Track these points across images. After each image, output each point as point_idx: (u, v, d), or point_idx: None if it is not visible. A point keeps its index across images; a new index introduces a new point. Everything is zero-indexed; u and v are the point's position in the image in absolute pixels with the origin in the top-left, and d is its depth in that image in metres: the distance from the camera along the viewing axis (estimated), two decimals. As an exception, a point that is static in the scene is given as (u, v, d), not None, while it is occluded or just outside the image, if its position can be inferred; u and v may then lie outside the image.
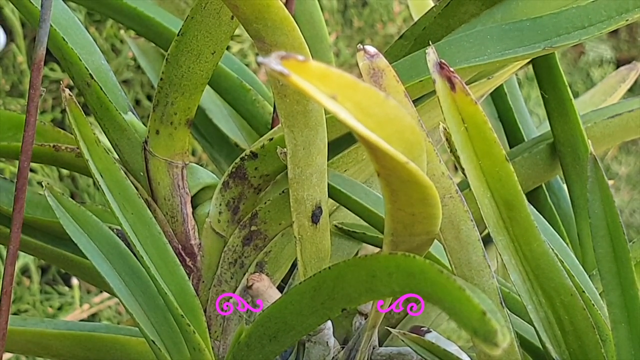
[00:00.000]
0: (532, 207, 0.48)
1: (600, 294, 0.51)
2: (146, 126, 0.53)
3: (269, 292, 0.50)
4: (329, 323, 0.51)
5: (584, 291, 0.50)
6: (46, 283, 1.52)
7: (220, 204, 0.54)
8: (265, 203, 0.53)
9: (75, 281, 1.51)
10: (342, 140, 0.53)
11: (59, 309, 1.50)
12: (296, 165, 0.49)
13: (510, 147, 0.66)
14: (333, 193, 0.52)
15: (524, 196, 0.46)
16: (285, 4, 0.60)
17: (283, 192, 0.52)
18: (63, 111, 1.36)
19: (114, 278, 0.49)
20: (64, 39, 0.52)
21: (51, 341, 0.55)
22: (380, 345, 0.54)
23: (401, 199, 0.39)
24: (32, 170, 1.36)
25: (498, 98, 0.67)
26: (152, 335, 0.48)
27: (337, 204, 0.55)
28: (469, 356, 0.51)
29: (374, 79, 0.43)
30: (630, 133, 0.63)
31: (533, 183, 0.64)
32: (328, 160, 0.50)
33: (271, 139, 0.52)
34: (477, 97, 0.57)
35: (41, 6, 0.44)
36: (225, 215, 0.54)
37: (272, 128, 0.62)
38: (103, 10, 0.60)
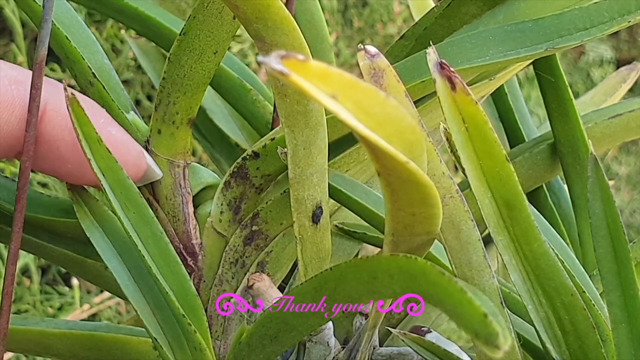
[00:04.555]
0: (532, 207, 0.48)
1: (600, 294, 0.51)
2: (148, 126, 0.53)
3: (269, 292, 0.50)
4: (330, 323, 0.51)
5: (584, 291, 0.50)
6: (46, 283, 1.52)
7: (221, 204, 0.54)
8: (267, 203, 0.53)
9: (75, 281, 1.51)
10: (344, 141, 0.53)
11: (59, 309, 1.50)
12: (297, 165, 0.49)
13: (511, 147, 0.66)
14: (334, 193, 0.52)
15: (524, 196, 0.46)
16: (286, 4, 0.60)
17: (284, 192, 0.52)
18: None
19: (123, 274, 0.49)
20: (67, 38, 0.52)
21: (52, 340, 0.55)
22: (380, 345, 0.54)
23: (401, 199, 0.39)
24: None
25: (498, 98, 0.67)
26: (156, 333, 0.48)
27: (338, 204, 0.55)
28: (469, 356, 0.51)
29: (374, 79, 0.43)
30: (630, 133, 0.63)
31: (534, 183, 0.64)
32: (329, 160, 0.50)
33: (273, 139, 0.52)
34: (478, 98, 0.57)
35: (43, 6, 0.45)
36: (226, 215, 0.54)
37: (273, 128, 0.62)
38: (104, 10, 0.60)
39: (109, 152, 0.47)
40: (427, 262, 0.36)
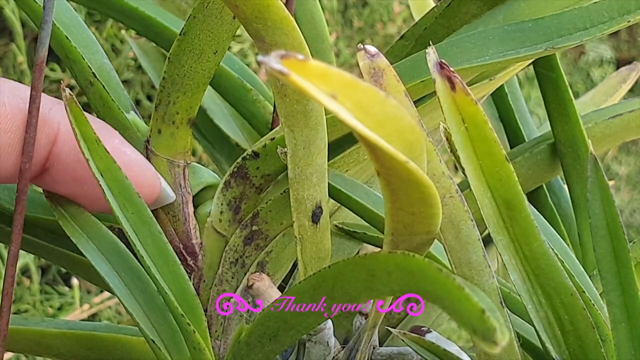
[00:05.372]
0: (532, 207, 0.48)
1: (600, 294, 0.51)
2: (148, 125, 0.53)
3: (269, 291, 0.50)
4: (330, 323, 0.51)
5: (584, 291, 0.50)
6: (46, 283, 1.52)
7: (221, 204, 0.54)
8: (267, 203, 0.53)
9: (75, 281, 1.51)
10: (344, 141, 0.53)
11: (59, 309, 1.50)
12: (296, 165, 0.49)
13: (511, 147, 0.66)
14: (333, 193, 0.52)
15: (524, 196, 0.46)
16: (286, 4, 0.60)
17: (284, 191, 0.52)
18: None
19: (114, 278, 0.49)
20: (67, 38, 0.52)
21: (52, 341, 0.56)
22: (380, 345, 0.54)
23: (401, 199, 0.39)
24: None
25: (499, 98, 0.67)
26: (151, 334, 0.48)
27: (338, 204, 0.55)
28: (469, 356, 0.51)
29: (374, 79, 0.43)
30: (630, 133, 0.63)
31: (534, 183, 0.64)
32: (329, 160, 0.50)
33: (273, 139, 0.52)
34: (478, 98, 0.57)
35: (43, 7, 0.45)
36: (226, 214, 0.54)
37: (272, 128, 0.62)
38: (104, 10, 0.60)
39: (107, 152, 0.47)
40: (425, 259, 0.36)
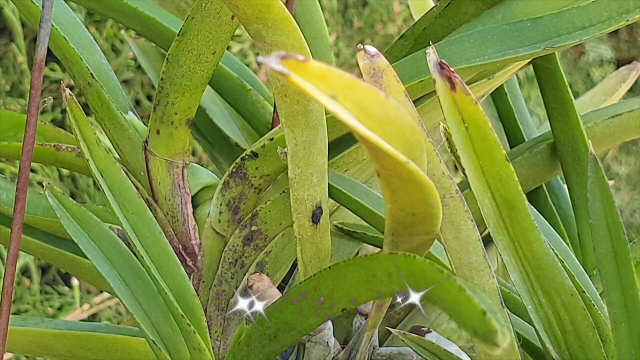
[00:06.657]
0: (532, 207, 0.48)
1: (600, 294, 0.51)
2: (147, 126, 0.53)
3: (269, 292, 0.50)
4: (329, 323, 0.51)
5: (584, 291, 0.50)
6: (46, 283, 1.51)
7: (220, 204, 0.54)
8: (266, 203, 0.53)
9: (75, 281, 1.51)
10: (343, 140, 0.53)
11: (59, 309, 1.49)
12: (296, 165, 0.49)
13: (511, 147, 0.66)
14: (333, 193, 0.52)
15: (524, 196, 0.46)
16: (286, 4, 0.60)
17: (283, 192, 0.52)
18: (63, 111, 1.36)
19: (115, 278, 0.49)
20: (66, 39, 0.52)
21: (51, 341, 0.55)
22: (380, 345, 0.54)
23: (401, 199, 0.39)
24: (32, 171, 1.36)
25: (498, 98, 0.67)
26: (152, 335, 0.48)
27: (338, 204, 0.55)
28: (469, 356, 0.51)
29: (374, 79, 0.43)
30: (630, 133, 0.63)
31: (533, 183, 0.64)
32: (328, 160, 0.50)
33: (272, 139, 0.52)
34: (477, 97, 0.57)
35: (42, 6, 0.45)
36: (225, 215, 0.54)
37: (272, 128, 0.62)
38: (103, 10, 0.60)
39: (108, 152, 0.47)
40: (425, 260, 0.36)
